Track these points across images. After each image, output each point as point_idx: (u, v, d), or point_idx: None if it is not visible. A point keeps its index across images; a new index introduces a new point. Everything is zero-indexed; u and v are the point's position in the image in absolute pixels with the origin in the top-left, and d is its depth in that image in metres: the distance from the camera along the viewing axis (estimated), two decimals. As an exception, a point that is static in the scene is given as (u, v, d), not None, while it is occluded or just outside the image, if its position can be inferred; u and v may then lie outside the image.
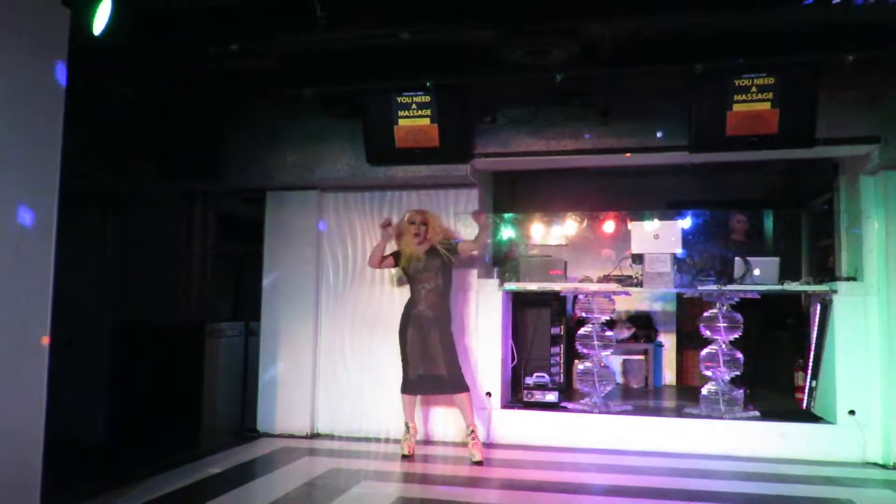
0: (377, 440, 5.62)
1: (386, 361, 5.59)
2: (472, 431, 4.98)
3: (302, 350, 5.84)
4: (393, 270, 5.67)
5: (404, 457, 5.03)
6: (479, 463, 4.83)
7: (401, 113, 5.24)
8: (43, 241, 3.15)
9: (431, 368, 5.03)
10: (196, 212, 6.94)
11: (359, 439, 5.67)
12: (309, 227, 5.94)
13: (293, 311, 5.86)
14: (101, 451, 5.45)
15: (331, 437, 5.74)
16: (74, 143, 3.47)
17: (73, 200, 3.73)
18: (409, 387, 5.14)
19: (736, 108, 4.83)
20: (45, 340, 3.13)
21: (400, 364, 5.18)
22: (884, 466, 4.88)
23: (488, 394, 5.56)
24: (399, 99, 5.21)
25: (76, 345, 5.82)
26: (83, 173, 5.61)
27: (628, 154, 5.35)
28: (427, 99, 5.17)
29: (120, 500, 3.84)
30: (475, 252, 5.41)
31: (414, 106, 5.22)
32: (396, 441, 5.39)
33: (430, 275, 5.10)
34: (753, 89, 4.80)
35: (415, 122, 5.24)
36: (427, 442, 5.55)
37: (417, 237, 5.08)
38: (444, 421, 5.58)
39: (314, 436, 5.79)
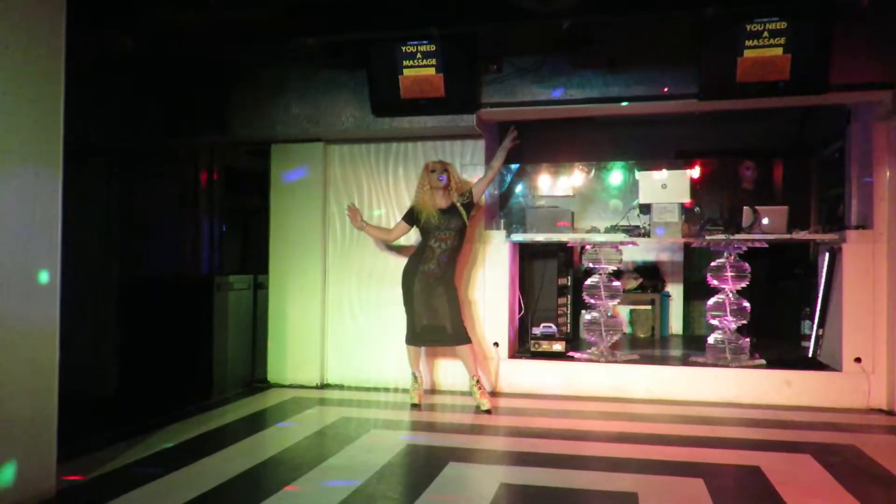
0: (386, 390, 5.70)
1: (393, 313, 5.63)
2: (478, 381, 5.03)
3: (310, 302, 5.88)
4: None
5: (414, 405, 5.10)
6: (488, 411, 4.88)
7: (406, 63, 5.16)
8: (49, 198, 3.15)
9: (435, 321, 5.03)
10: (202, 166, 6.93)
11: (367, 389, 5.74)
12: (315, 179, 5.92)
13: (300, 264, 5.89)
14: (114, 403, 5.54)
15: (340, 387, 5.82)
16: (77, 99, 3.44)
17: (79, 157, 3.72)
18: (413, 338, 5.17)
19: (747, 53, 4.73)
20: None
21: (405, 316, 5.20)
22: (888, 413, 4.92)
23: (496, 344, 5.61)
24: (404, 48, 5.12)
25: (87, 300, 5.87)
26: (87, 129, 5.59)
27: (636, 103, 5.26)
28: (432, 48, 5.09)
29: (134, 450, 3.92)
30: (487, 185, 5.33)
31: (419, 55, 5.14)
32: (405, 391, 5.46)
33: (448, 234, 5.03)
34: (765, 34, 4.69)
35: (420, 71, 5.17)
36: (434, 391, 5.62)
37: (443, 187, 5.02)
38: (452, 371, 5.64)
39: (324, 386, 5.87)
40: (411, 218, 5.18)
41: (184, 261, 6.75)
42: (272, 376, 5.93)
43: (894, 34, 4.80)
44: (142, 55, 5.30)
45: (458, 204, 5.05)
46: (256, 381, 6.04)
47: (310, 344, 5.87)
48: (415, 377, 5.24)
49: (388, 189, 5.89)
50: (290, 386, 5.83)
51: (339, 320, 5.92)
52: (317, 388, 5.81)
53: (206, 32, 5.26)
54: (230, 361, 5.93)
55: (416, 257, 5.09)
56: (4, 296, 2.90)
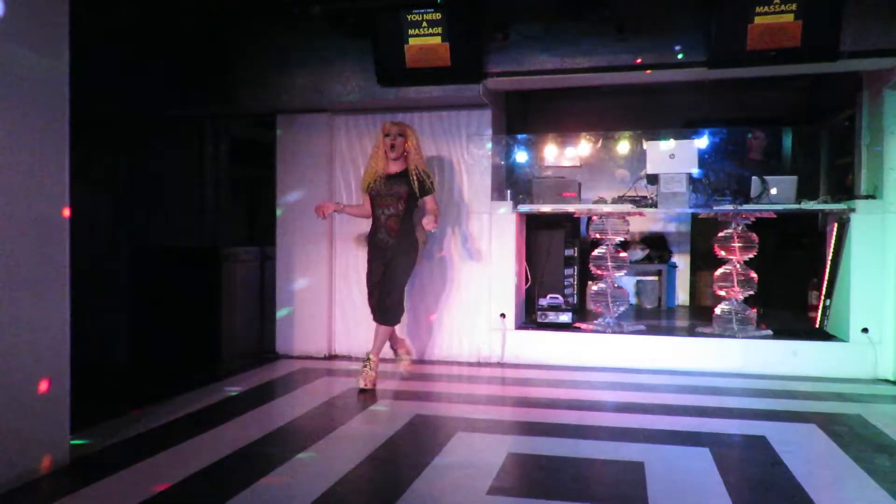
0: (393, 360, 5.74)
1: (400, 284, 5.64)
2: (370, 360, 4.71)
3: (317, 273, 5.89)
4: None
5: (362, 391, 4.66)
6: (363, 391, 4.62)
7: (411, 31, 5.11)
8: (56, 169, 3.14)
9: (374, 292, 4.80)
10: (208, 137, 6.91)
11: (375, 360, 5.77)
12: (321, 150, 5.89)
13: (307, 235, 5.89)
14: (125, 373, 5.59)
15: (348, 357, 5.86)
16: (82, 70, 3.42)
17: (87, 128, 3.70)
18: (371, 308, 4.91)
19: (757, 20, 4.67)
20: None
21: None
22: (894, 383, 4.93)
23: (502, 315, 5.62)
24: (409, 17, 5.07)
25: (96, 271, 5.90)
26: (93, 100, 5.57)
27: (647, 71, 5.20)
28: (438, 16, 5.03)
29: (145, 420, 3.96)
30: (431, 219, 4.65)
31: (424, 24, 5.08)
32: (412, 361, 5.48)
33: (391, 200, 4.69)
34: (776, 0, 4.62)
35: (425, 40, 5.11)
36: (440, 362, 5.65)
37: (393, 151, 4.68)
38: (449, 340, 5.66)
39: (331, 357, 5.90)
40: (364, 187, 4.89)
41: (191, 232, 6.76)
42: (280, 347, 5.96)
43: (907, 0, 4.73)
44: (146, 24, 5.25)
45: (414, 172, 4.71)
46: (265, 351, 6.08)
47: (317, 315, 5.90)
48: (368, 358, 4.76)
49: (394, 160, 5.86)
50: (298, 357, 5.87)
51: (346, 291, 5.93)
52: (325, 358, 5.85)
53: (211, 2, 5.20)
54: (238, 332, 5.96)
55: (370, 231, 4.85)
56: (15, 267, 2.91)
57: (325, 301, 5.89)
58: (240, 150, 7.27)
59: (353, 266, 5.90)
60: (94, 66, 5.45)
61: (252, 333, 6.17)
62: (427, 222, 4.59)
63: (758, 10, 4.65)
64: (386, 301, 4.73)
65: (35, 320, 3.02)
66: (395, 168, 4.75)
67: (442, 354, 5.73)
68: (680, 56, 5.06)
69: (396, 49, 5.18)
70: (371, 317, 4.90)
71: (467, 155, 5.73)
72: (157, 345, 5.78)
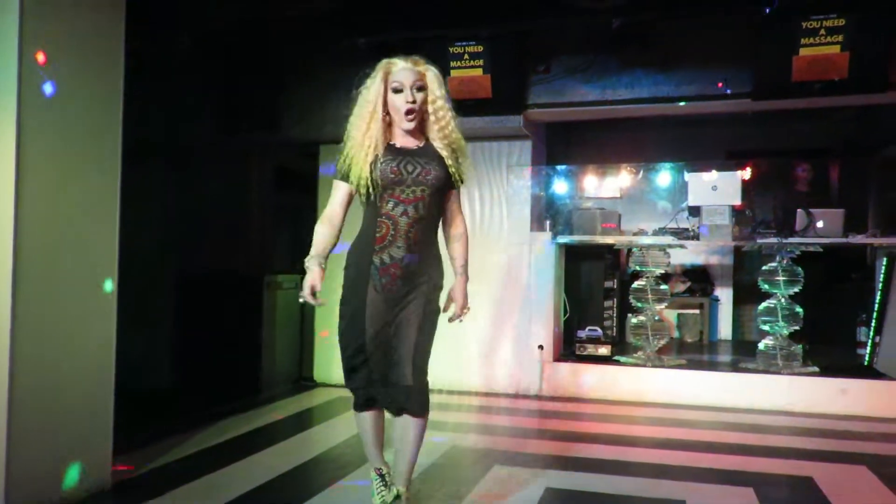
0: (431, 391, 5.71)
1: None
2: (399, 498, 2.92)
3: (356, 302, 5.91)
4: None
5: None
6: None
7: (453, 63, 5.17)
8: (108, 198, 3.24)
9: (395, 366, 2.83)
10: (255, 164, 7.04)
11: (412, 389, 5.76)
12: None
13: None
14: (167, 397, 5.67)
15: (385, 386, 5.84)
16: (136, 96, 3.53)
17: (137, 156, 3.81)
18: (360, 397, 2.92)
19: (803, 52, 4.61)
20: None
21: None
22: (949, 424, 4.75)
23: (540, 347, 5.57)
24: (451, 49, 5.13)
25: (142, 294, 6.02)
26: (146, 127, 5.72)
27: (690, 103, 5.18)
28: (480, 48, 5.09)
29: (185, 445, 4.01)
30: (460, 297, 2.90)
31: (466, 56, 5.14)
32: (449, 392, 5.46)
33: (411, 192, 2.66)
34: (822, 31, 4.57)
35: (467, 72, 5.17)
36: (477, 393, 5.61)
37: (411, 115, 2.67)
38: (495, 371, 5.63)
39: (369, 385, 5.90)
40: (344, 172, 2.76)
41: (236, 259, 6.86)
42: (319, 375, 6.00)
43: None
44: (198, 53, 5.41)
45: (441, 145, 2.74)
46: (304, 379, 6.12)
47: (355, 343, 5.90)
48: (379, 475, 3.00)
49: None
50: (337, 385, 5.88)
51: (384, 320, 5.94)
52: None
53: (261, 31, 5.34)
54: (278, 359, 6.02)
55: (365, 242, 2.79)
56: (64, 296, 2.99)
57: (363, 329, 5.90)
58: (285, 178, 7.39)
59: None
60: (144, 95, 5.63)
61: (291, 361, 6.22)
62: (458, 302, 2.88)
63: (803, 41, 4.60)
64: (420, 374, 2.87)
65: (81, 345, 3.09)
66: (411, 139, 2.75)
67: (479, 385, 5.69)
68: (724, 88, 5.02)
69: (438, 81, 5.24)
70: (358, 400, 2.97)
71: (507, 185, 5.74)
72: (199, 369, 5.85)
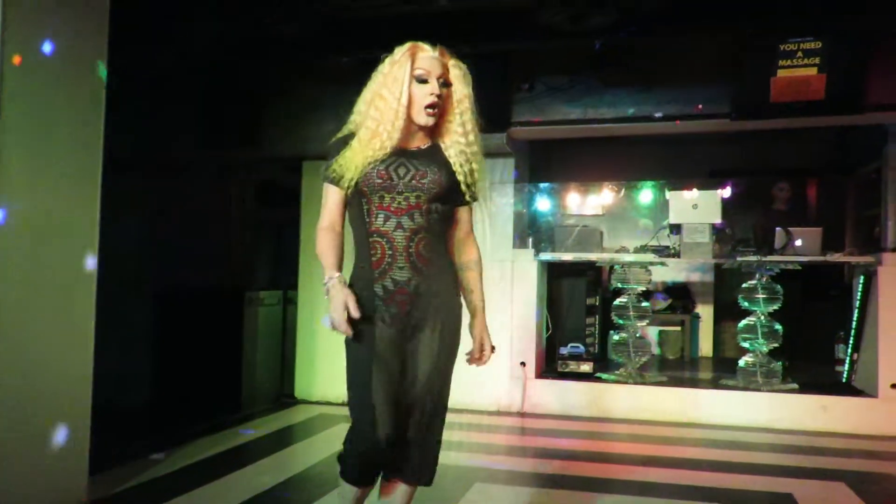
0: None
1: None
2: None
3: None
4: None
5: None
6: None
7: (437, 81, 5.18)
8: (88, 212, 3.21)
9: (411, 420, 2.30)
10: (236, 180, 7.01)
11: (394, 406, 5.73)
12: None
13: (329, 280, 5.90)
14: (146, 414, 5.60)
15: (367, 403, 5.81)
16: (116, 113, 3.51)
17: (117, 168, 3.79)
18: (361, 465, 2.37)
19: (781, 73, 4.69)
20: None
21: None
22: (927, 441, 4.79)
23: (522, 364, 5.57)
24: (434, 67, 5.14)
25: (121, 311, 5.96)
26: (128, 141, 5.69)
27: (671, 122, 5.23)
28: (462, 67, 5.11)
29: (163, 463, 3.95)
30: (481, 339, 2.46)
31: (450, 74, 5.15)
32: (431, 409, 5.41)
33: (412, 198, 2.21)
34: (799, 54, 4.65)
35: (450, 90, 5.18)
36: (458, 410, 5.59)
37: (432, 110, 2.24)
38: (476, 388, 5.61)
39: (350, 402, 5.86)
40: (337, 174, 2.28)
41: (216, 275, 6.81)
42: (300, 392, 5.95)
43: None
44: (181, 68, 5.40)
45: (455, 151, 2.30)
46: (284, 395, 6.07)
47: (338, 360, 5.84)
48: None
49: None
50: (318, 402, 5.84)
51: (366, 336, 5.91)
52: (343, 404, 5.79)
53: (244, 48, 5.34)
54: (259, 375, 5.96)
55: (361, 264, 2.29)
56: (41, 309, 2.95)
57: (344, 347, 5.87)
58: (267, 193, 7.37)
59: (374, 311, 5.89)
60: (125, 107, 5.60)
61: (272, 377, 6.17)
62: (482, 342, 2.43)
63: (781, 63, 4.68)
64: (438, 432, 2.39)
65: (57, 364, 3.05)
66: (415, 139, 2.31)
67: (460, 402, 5.66)
68: (703, 108, 5.09)
69: (422, 98, 5.26)
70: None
71: (490, 202, 5.76)
72: (178, 386, 5.79)
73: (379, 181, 2.20)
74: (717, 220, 5.47)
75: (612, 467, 4.04)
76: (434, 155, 2.29)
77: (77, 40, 3.14)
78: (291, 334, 6.13)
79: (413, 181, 2.21)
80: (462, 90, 2.32)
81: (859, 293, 5.39)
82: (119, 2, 3.36)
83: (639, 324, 5.78)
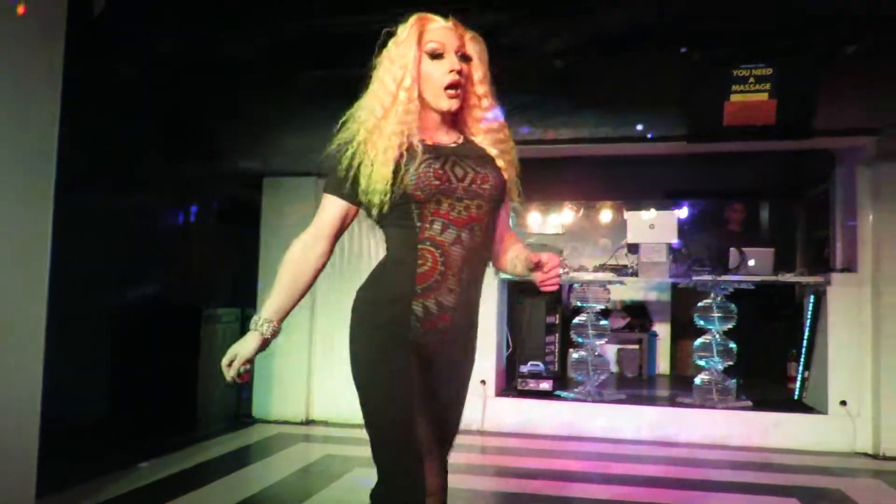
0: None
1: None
2: None
3: (297, 338, 5.84)
4: None
5: None
6: None
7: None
8: (38, 225, 3.15)
9: (438, 447, 2.10)
10: (195, 196, 6.94)
11: (353, 426, 5.68)
12: (305, 214, 5.92)
13: (289, 298, 5.85)
14: (98, 434, 5.45)
15: (325, 423, 5.76)
16: (74, 125, 3.46)
17: (73, 183, 3.72)
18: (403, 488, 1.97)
19: (733, 98, 4.83)
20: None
21: None
22: (874, 456, 4.91)
23: (482, 382, 5.58)
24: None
25: (74, 328, 5.81)
26: (83, 156, 5.59)
27: (628, 143, 5.34)
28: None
29: (116, 484, 3.85)
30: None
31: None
32: (391, 427, 5.38)
33: (473, 207, 1.81)
34: (751, 80, 4.80)
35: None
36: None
37: (453, 91, 1.84)
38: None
39: (309, 422, 5.80)
40: (353, 180, 1.81)
41: (173, 291, 6.70)
42: (257, 411, 5.86)
43: (878, 81, 4.92)
44: (139, 85, 5.33)
45: (488, 142, 1.94)
46: (242, 415, 5.97)
47: (296, 380, 5.82)
48: None
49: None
50: (275, 422, 5.76)
51: (326, 356, 5.87)
52: (302, 423, 5.74)
53: (205, 64, 5.30)
54: (216, 394, 5.86)
55: (399, 275, 1.84)
56: (-10, 326, 2.88)
57: (303, 365, 5.83)
58: (227, 210, 7.30)
59: (335, 332, 5.85)
60: (83, 122, 5.51)
61: (229, 396, 6.06)
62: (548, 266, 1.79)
63: (734, 88, 4.82)
64: (446, 461, 2.18)
65: (2, 382, 2.96)
66: (444, 133, 1.90)
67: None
68: (660, 131, 5.21)
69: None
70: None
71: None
72: (134, 403, 5.65)
73: (437, 182, 1.74)
74: (674, 240, 5.57)
75: (572, 485, 4.06)
76: (476, 152, 1.87)
77: (31, 56, 3.09)
78: (250, 353, 6.03)
79: (473, 185, 1.79)
80: (482, 68, 1.92)
81: (810, 312, 5.53)
82: (78, 15, 3.32)
83: (597, 342, 5.85)
